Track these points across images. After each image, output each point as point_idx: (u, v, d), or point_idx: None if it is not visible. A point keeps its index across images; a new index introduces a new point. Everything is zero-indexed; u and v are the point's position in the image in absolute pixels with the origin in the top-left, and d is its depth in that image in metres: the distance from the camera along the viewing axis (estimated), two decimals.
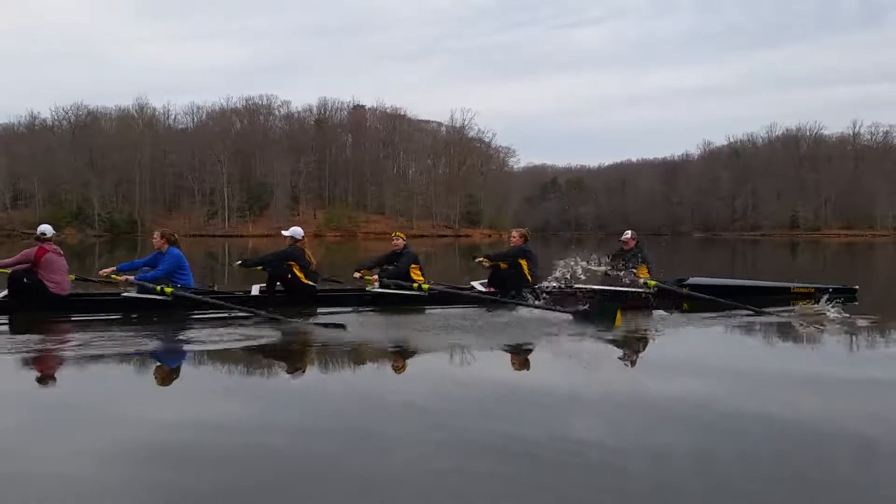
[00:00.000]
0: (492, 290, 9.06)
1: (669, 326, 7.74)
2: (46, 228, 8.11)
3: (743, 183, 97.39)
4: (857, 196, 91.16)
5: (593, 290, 8.52)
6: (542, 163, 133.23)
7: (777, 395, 4.50)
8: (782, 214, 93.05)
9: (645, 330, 7.27)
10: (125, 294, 7.88)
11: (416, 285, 8.65)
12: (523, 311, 7.97)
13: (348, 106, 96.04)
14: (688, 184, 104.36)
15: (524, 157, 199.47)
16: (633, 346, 6.42)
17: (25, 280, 7.66)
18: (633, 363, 5.79)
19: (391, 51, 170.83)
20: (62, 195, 79.38)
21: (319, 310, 8.12)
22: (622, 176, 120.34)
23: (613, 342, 6.40)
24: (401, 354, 5.99)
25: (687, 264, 22.06)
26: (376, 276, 8.84)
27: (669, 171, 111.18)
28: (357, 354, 5.89)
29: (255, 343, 6.16)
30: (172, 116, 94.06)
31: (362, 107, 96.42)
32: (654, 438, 3.51)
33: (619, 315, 7.06)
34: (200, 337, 6.42)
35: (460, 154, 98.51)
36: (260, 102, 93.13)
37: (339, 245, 47.75)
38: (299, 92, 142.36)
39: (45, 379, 5.03)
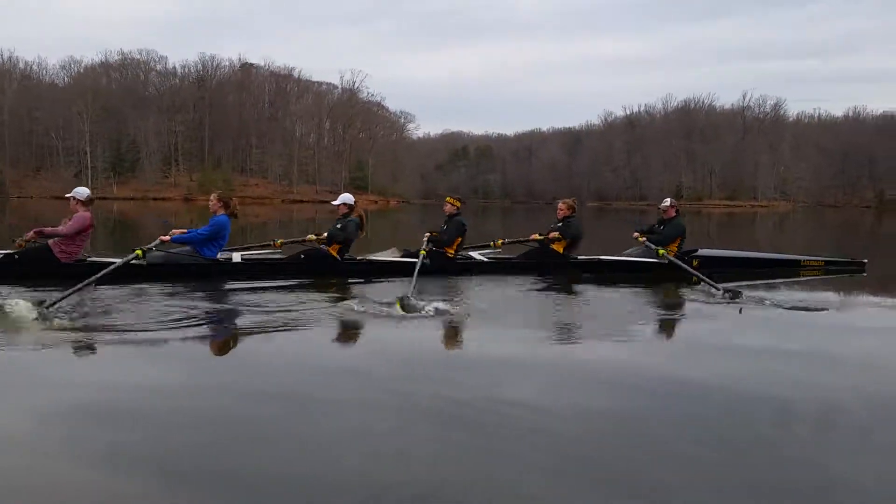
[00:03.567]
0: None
1: (619, 295, 7.69)
2: (88, 191, 7.54)
3: (634, 153, 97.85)
4: (740, 167, 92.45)
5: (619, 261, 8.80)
6: (459, 130, 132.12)
7: (704, 362, 4.72)
8: (669, 185, 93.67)
9: (599, 299, 7.30)
10: (89, 260, 7.22)
11: (423, 251, 7.92)
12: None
13: (235, 64, 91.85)
14: (587, 154, 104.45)
15: (447, 124, 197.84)
16: (580, 315, 6.49)
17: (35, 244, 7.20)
18: (575, 332, 5.78)
19: (331, 12, 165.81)
20: None
21: (350, 280, 7.75)
22: (530, 144, 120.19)
23: (568, 311, 6.66)
24: (346, 321, 5.70)
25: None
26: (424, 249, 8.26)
27: (574, 141, 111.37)
28: (308, 322, 5.60)
29: (229, 309, 6.02)
30: (47, 71, 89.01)
31: (250, 65, 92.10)
32: (588, 403, 3.67)
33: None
34: (168, 305, 5.92)
35: (348, 117, 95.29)
36: (139, 58, 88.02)
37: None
38: (227, 51, 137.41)
39: None
